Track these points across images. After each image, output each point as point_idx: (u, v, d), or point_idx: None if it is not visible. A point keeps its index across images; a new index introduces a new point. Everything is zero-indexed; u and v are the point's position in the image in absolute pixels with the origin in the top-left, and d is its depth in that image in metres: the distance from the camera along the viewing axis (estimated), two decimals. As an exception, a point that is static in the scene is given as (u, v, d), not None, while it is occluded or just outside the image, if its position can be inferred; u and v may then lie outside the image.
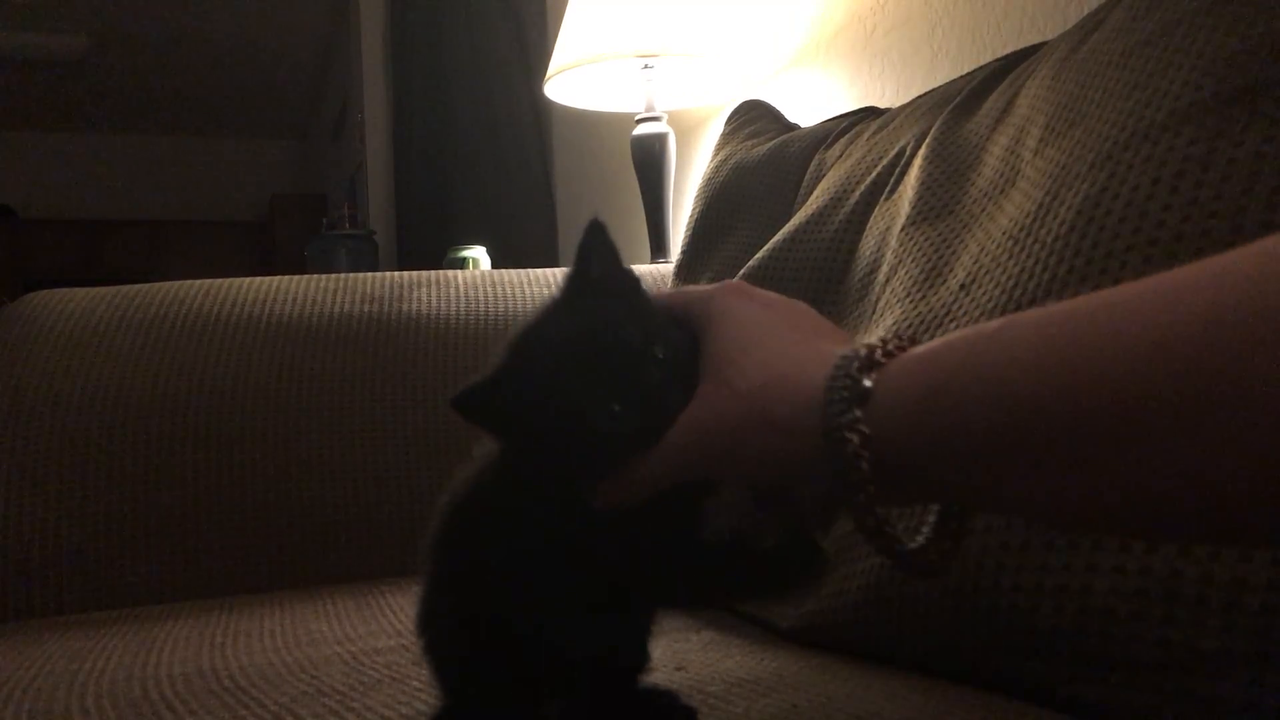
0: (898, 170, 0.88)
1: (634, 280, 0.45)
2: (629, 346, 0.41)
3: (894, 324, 0.72)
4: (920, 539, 0.38)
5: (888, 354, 0.36)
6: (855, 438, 0.34)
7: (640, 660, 0.49)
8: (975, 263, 0.67)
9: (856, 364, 0.36)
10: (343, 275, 1.22)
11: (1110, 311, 0.30)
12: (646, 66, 1.49)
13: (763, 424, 0.37)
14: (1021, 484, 0.32)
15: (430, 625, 0.48)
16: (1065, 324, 0.31)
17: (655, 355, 0.41)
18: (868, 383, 0.35)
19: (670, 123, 1.54)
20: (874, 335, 0.75)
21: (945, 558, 0.38)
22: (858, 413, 0.34)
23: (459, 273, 1.26)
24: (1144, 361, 0.28)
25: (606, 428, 0.40)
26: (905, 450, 0.34)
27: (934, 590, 0.56)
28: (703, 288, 0.44)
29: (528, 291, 1.24)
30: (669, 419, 0.39)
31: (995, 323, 0.33)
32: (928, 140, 0.84)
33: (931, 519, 0.39)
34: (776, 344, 0.40)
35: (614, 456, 0.40)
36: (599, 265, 0.44)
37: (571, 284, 0.44)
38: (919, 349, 0.36)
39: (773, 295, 0.43)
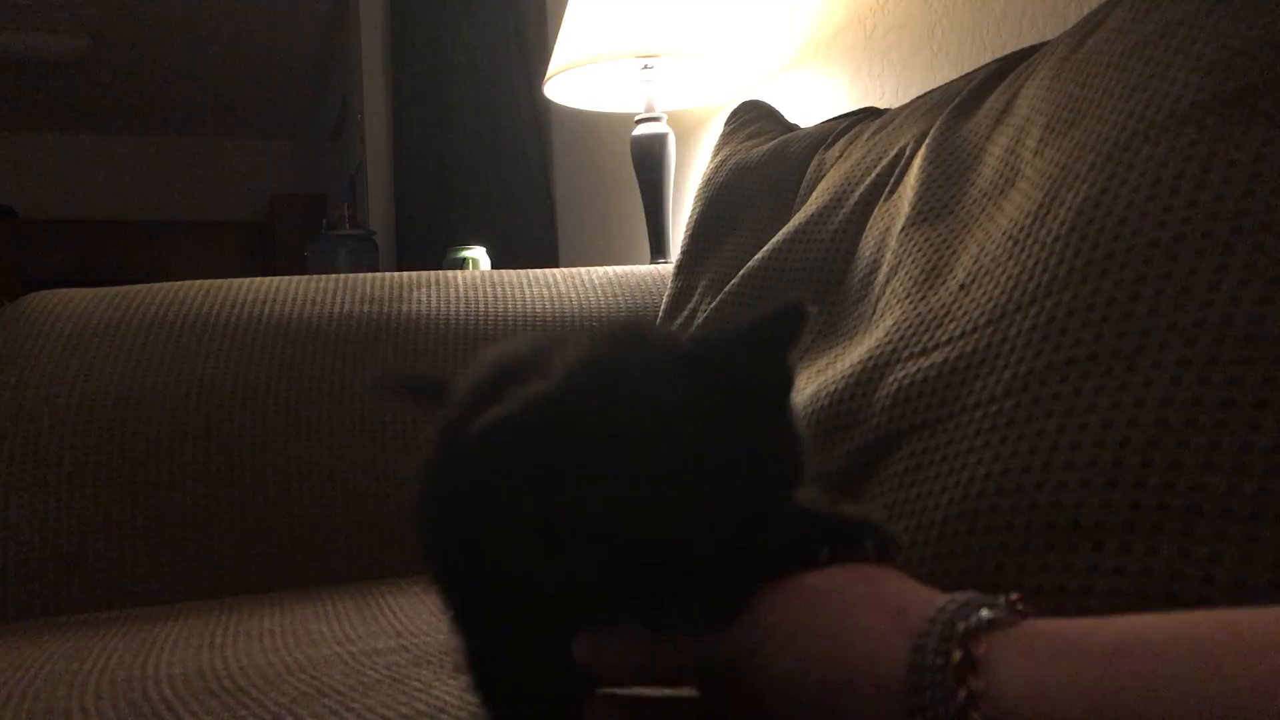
0: (897, 170, 0.88)
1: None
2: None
3: (894, 324, 0.72)
4: None
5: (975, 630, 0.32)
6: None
7: None
8: (975, 263, 0.67)
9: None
10: (343, 275, 1.22)
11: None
12: (646, 67, 1.49)
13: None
14: None
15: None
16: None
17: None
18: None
19: (670, 123, 1.54)
20: (874, 337, 0.75)
21: None
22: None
23: (459, 273, 1.26)
24: None
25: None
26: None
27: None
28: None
29: (528, 292, 1.24)
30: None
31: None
32: (927, 140, 0.84)
33: None
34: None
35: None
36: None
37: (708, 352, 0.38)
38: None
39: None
